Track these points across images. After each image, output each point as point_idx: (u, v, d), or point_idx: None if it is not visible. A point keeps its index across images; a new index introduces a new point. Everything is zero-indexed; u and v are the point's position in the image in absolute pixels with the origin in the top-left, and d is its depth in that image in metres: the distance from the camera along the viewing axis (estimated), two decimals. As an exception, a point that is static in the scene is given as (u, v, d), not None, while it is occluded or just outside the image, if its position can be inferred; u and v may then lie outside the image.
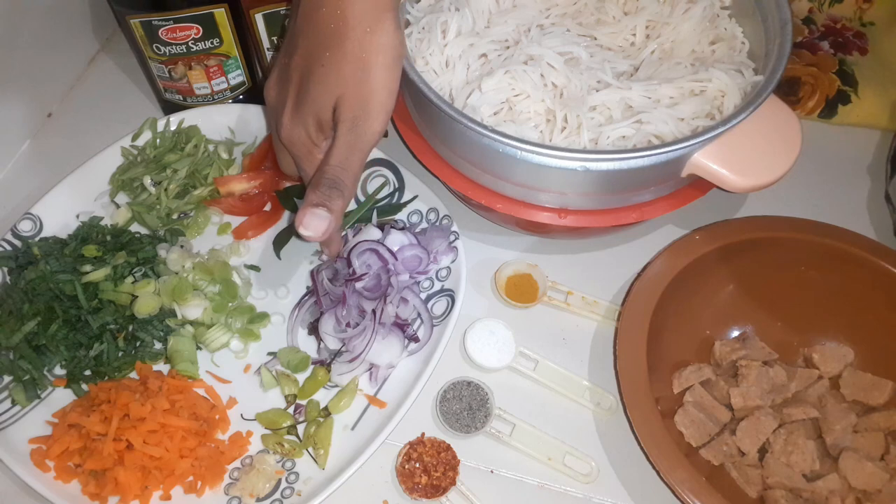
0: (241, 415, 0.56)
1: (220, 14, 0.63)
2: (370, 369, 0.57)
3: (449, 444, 0.54)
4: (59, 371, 0.57)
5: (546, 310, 0.62)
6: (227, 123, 0.69)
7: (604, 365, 0.59)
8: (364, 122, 0.49)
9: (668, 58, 0.60)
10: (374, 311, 0.56)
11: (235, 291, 0.59)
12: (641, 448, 0.52)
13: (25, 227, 0.62)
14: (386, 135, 0.71)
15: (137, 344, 0.58)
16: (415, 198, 0.64)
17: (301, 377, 0.58)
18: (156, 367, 0.58)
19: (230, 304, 0.59)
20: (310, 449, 0.54)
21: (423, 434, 0.55)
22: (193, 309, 0.58)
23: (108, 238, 0.61)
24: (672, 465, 0.50)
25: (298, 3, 0.50)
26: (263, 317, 0.60)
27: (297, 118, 0.51)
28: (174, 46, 0.64)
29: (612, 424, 0.57)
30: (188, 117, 0.68)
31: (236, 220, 0.65)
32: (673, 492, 0.50)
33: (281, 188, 0.65)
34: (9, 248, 0.61)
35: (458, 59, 0.58)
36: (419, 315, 0.59)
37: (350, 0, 0.47)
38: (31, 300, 0.56)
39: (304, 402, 0.57)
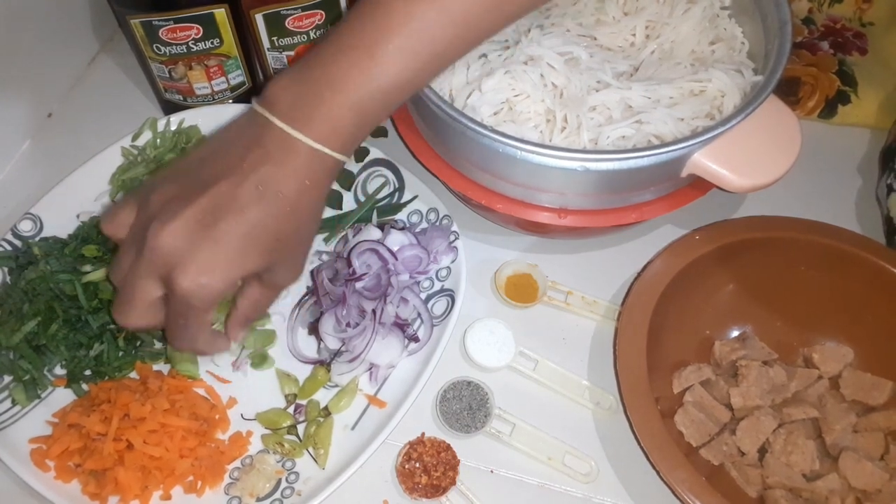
0: (241, 415, 0.56)
1: (221, 14, 0.63)
2: (370, 369, 0.57)
3: (449, 444, 0.54)
4: (59, 371, 0.57)
5: (546, 310, 0.62)
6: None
7: (603, 365, 0.59)
8: (286, 276, 0.48)
9: (667, 58, 0.60)
10: (374, 311, 0.56)
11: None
12: (641, 448, 0.52)
13: (26, 226, 0.62)
14: (385, 134, 0.71)
15: (137, 344, 0.58)
16: (415, 198, 0.64)
17: (301, 377, 0.58)
18: (156, 367, 0.58)
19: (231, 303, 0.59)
20: (310, 449, 0.55)
21: (423, 434, 0.55)
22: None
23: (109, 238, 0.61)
24: (672, 465, 0.50)
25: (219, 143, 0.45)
26: (263, 315, 0.60)
27: (222, 273, 0.43)
28: (174, 46, 0.64)
29: (612, 424, 0.57)
30: (188, 117, 0.68)
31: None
32: (673, 492, 0.50)
33: None
34: (9, 247, 0.61)
35: (458, 59, 0.58)
36: (419, 315, 0.59)
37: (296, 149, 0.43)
38: (31, 300, 0.56)
39: (304, 402, 0.57)
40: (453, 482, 0.53)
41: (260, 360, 0.58)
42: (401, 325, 0.58)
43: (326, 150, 0.44)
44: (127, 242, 0.46)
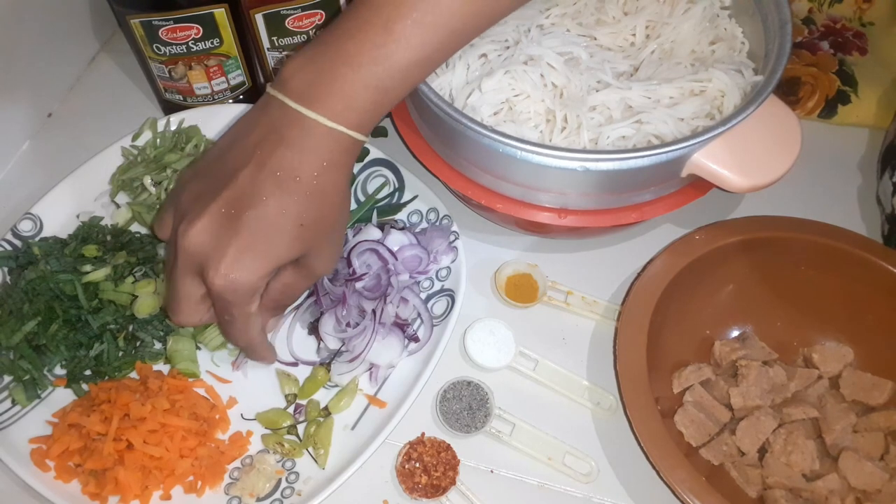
0: (242, 414, 0.56)
1: (221, 14, 0.63)
2: (370, 369, 0.57)
3: (449, 444, 0.54)
4: (59, 371, 0.57)
5: (546, 309, 0.62)
6: (227, 123, 0.68)
7: (603, 365, 0.59)
8: (320, 262, 0.48)
9: (668, 58, 0.60)
10: (374, 311, 0.56)
11: None
12: (641, 448, 0.52)
13: (26, 226, 0.62)
14: (385, 134, 0.71)
15: (137, 344, 0.58)
16: (415, 198, 0.64)
17: (301, 377, 0.58)
18: (156, 367, 0.58)
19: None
20: (310, 449, 0.55)
21: (423, 434, 0.55)
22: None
23: (109, 238, 0.61)
24: (672, 465, 0.50)
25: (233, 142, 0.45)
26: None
27: (252, 265, 0.43)
28: (174, 46, 0.64)
29: (612, 424, 0.57)
30: (188, 117, 0.68)
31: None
32: (673, 491, 0.50)
33: None
34: (9, 247, 0.61)
35: (457, 59, 0.58)
36: (419, 315, 0.59)
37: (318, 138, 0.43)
38: (31, 300, 0.56)
39: (304, 402, 0.57)
40: (453, 482, 0.53)
41: None
42: (401, 325, 0.58)
43: (341, 129, 0.43)
44: (169, 243, 0.47)
